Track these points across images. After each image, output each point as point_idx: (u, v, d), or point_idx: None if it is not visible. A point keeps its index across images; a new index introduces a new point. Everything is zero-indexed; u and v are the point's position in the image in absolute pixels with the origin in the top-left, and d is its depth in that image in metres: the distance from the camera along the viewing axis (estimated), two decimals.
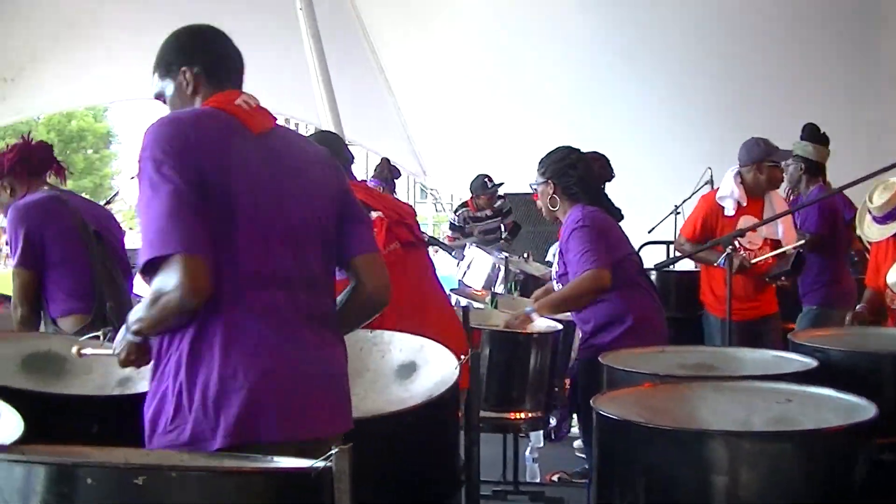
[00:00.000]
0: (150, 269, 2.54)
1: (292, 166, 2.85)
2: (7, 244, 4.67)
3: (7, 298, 5.49)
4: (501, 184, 11.07)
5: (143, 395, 3.47)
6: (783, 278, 6.34)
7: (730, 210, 6.51)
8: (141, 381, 3.66)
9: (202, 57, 2.90)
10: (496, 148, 12.87)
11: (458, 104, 13.37)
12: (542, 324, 5.32)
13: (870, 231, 5.87)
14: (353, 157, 5.04)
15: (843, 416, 3.06)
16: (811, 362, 3.94)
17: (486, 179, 10.96)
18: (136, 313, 2.65)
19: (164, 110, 2.90)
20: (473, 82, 13.03)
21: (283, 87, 10.26)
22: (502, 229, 11.20)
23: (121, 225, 5.28)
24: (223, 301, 2.60)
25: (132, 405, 3.44)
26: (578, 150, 5.37)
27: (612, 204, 5.40)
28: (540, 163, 5.40)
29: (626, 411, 3.15)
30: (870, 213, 5.78)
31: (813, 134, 7.11)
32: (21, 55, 10.81)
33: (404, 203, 5.45)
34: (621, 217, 5.41)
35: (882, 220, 5.70)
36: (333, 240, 2.92)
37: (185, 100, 2.89)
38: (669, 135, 11.67)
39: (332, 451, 2.07)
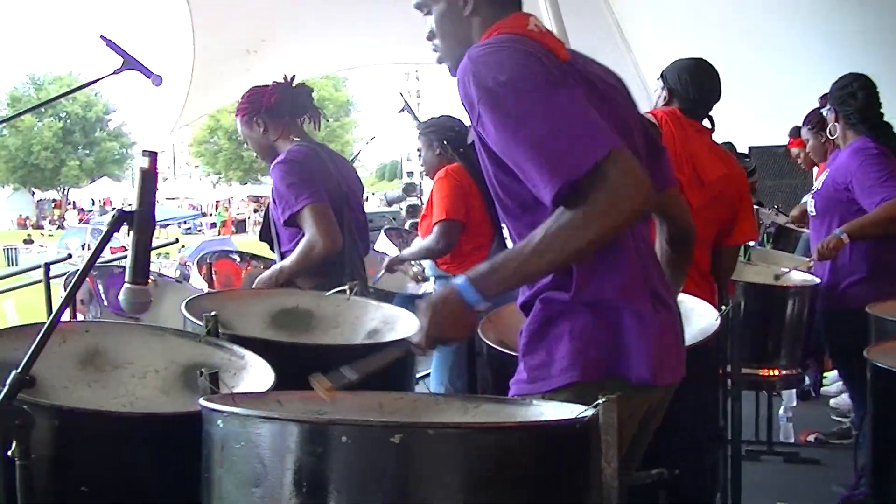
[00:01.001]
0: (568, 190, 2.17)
1: (607, 92, 2.50)
2: (276, 202, 4.49)
3: (254, 258, 5.60)
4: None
5: (390, 343, 3.47)
6: None
7: None
8: (390, 331, 3.65)
9: None
10: (738, 103, 12.48)
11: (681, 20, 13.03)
12: (798, 277, 5.11)
13: None
14: None
15: None
16: None
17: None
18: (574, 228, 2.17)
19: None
20: (712, 35, 12.69)
21: None
22: None
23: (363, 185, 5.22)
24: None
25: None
26: (865, 77, 5.17)
27: (894, 137, 5.13)
28: (832, 86, 5.27)
29: None
30: None
31: None
32: (262, 28, 11.07)
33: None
34: None
35: None
36: None
37: (457, 20, 2.54)
38: None
39: (599, 402, 1.97)
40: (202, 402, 2.04)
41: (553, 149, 2.17)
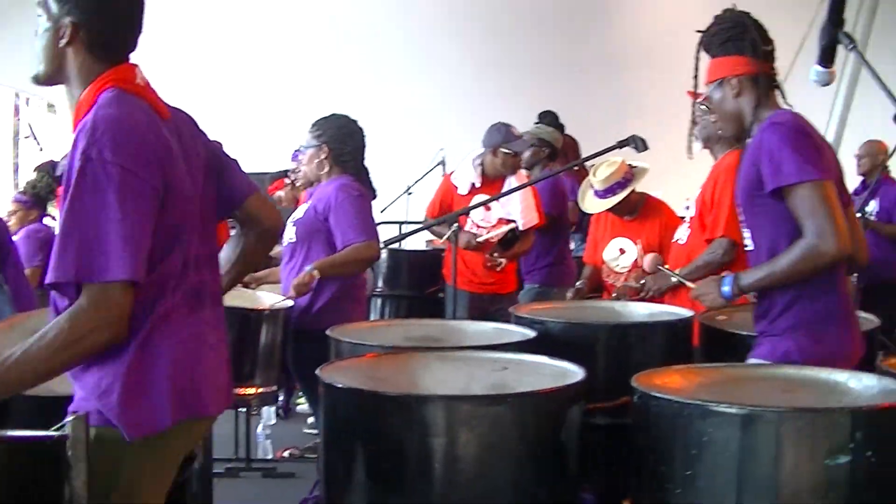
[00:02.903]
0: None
1: (188, 143, 2.74)
2: None
3: None
4: None
5: None
6: (496, 255, 6.61)
7: (463, 189, 6.79)
8: None
9: (94, 16, 2.61)
10: (231, 128, 12.70)
11: (200, 81, 13.12)
12: (271, 300, 5.35)
13: (590, 204, 6.20)
14: None
15: (555, 381, 3.24)
16: (530, 333, 4.15)
17: None
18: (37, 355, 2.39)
19: None
20: (206, 63, 12.85)
21: None
22: None
23: None
24: (153, 296, 2.54)
25: None
26: (356, 120, 5.43)
27: (371, 181, 5.49)
28: (316, 125, 5.40)
29: (353, 381, 3.24)
30: (592, 187, 6.10)
31: (554, 120, 7.50)
32: None
33: None
34: (375, 196, 5.52)
35: (603, 194, 6.04)
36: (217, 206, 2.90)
37: (54, 45, 2.62)
38: (404, 116, 11.89)
39: (68, 419, 2.11)
40: None
41: (84, 246, 2.37)
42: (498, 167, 6.78)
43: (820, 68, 3.28)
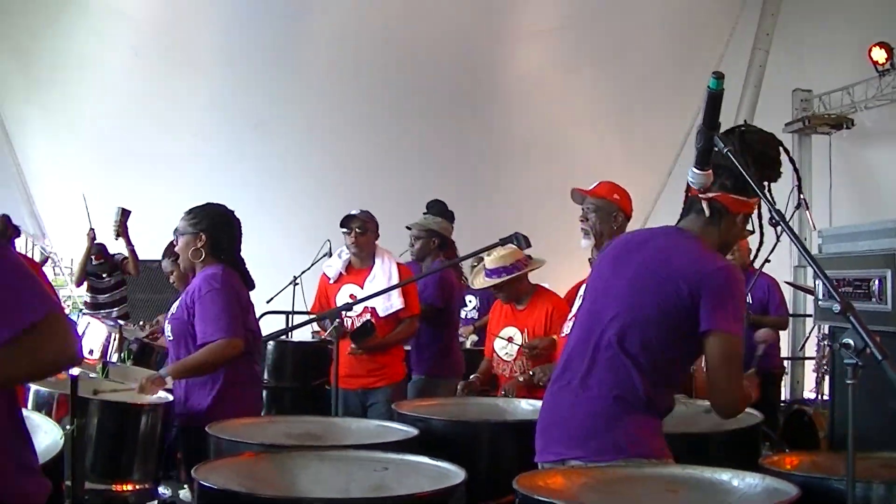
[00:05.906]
0: None
1: None
2: None
3: None
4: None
5: None
6: (352, 347, 6.56)
7: (333, 279, 6.86)
8: None
9: None
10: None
11: (83, 164, 12.98)
12: (153, 395, 5.24)
13: (477, 281, 6.36)
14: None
15: (435, 483, 3.21)
16: (412, 431, 4.12)
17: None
18: None
19: None
20: (98, 141, 12.75)
21: None
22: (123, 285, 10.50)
23: None
24: None
25: None
26: (232, 210, 5.33)
27: (247, 271, 5.37)
28: (191, 212, 5.27)
29: (230, 481, 3.17)
30: (485, 267, 6.18)
31: (443, 209, 7.52)
32: None
33: None
34: (253, 286, 5.38)
35: (489, 273, 6.20)
36: None
37: None
38: (290, 205, 11.87)
39: None
40: None
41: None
42: (351, 249, 6.85)
43: (697, 171, 3.31)
